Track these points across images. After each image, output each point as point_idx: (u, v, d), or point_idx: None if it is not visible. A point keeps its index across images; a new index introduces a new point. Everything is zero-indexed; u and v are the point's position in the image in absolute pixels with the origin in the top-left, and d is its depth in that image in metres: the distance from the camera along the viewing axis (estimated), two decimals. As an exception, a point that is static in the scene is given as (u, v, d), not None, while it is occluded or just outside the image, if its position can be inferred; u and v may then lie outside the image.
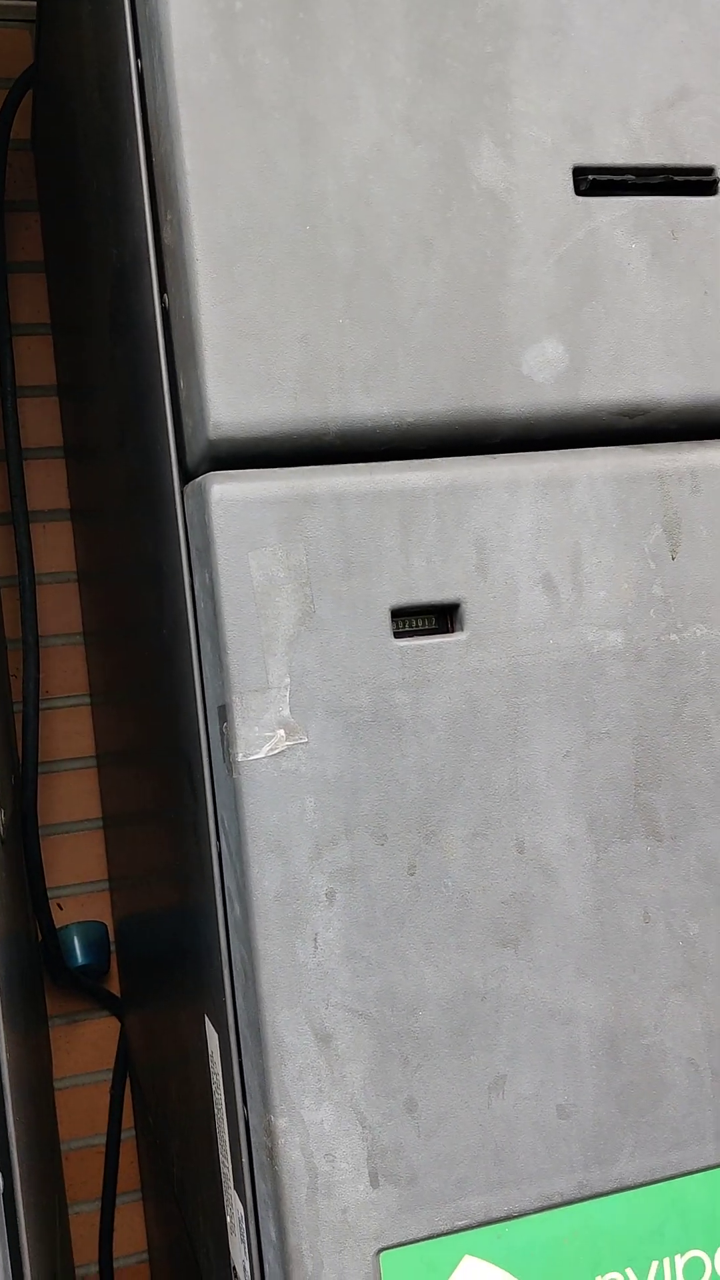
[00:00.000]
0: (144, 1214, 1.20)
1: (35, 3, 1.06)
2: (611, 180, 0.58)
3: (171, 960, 0.79)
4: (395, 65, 0.56)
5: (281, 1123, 0.54)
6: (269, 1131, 0.54)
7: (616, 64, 0.58)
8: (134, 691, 0.87)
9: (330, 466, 0.55)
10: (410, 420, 0.56)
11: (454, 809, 0.56)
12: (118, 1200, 1.19)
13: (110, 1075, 1.18)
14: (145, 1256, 1.21)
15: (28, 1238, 0.58)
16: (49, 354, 1.17)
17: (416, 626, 0.56)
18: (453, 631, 0.56)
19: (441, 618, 0.57)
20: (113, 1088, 1.17)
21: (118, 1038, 1.18)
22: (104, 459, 0.86)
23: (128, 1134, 1.20)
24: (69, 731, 1.18)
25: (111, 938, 1.18)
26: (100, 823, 1.19)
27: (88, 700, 1.19)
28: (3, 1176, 0.50)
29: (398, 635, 0.56)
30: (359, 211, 0.55)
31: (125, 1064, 1.18)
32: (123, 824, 1.05)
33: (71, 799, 1.17)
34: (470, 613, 0.56)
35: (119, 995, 1.19)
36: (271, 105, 0.54)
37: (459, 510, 0.56)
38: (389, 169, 0.55)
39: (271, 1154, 0.54)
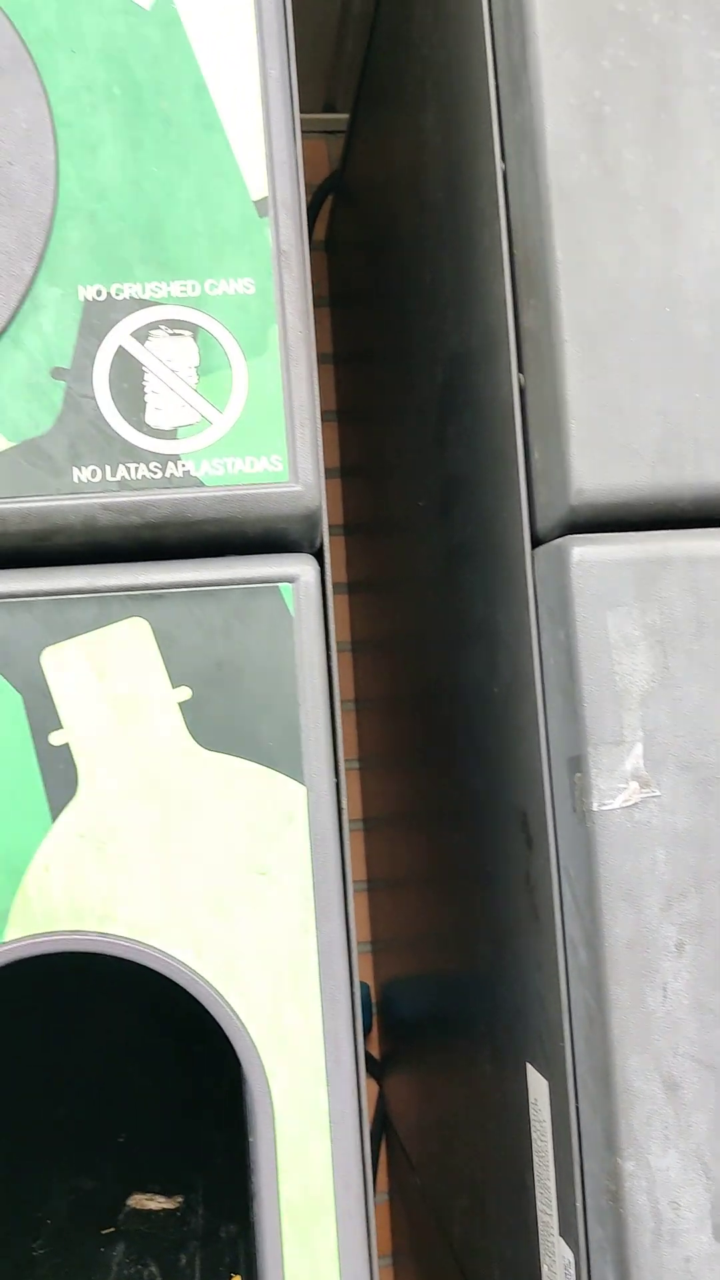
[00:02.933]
0: (393, 1278, 1.21)
1: (347, 115, 1.15)
2: None
3: (470, 1015, 0.81)
4: (751, 159, 0.59)
5: (629, 1166, 0.55)
6: (614, 1175, 0.55)
7: None
8: (429, 753, 0.91)
9: (684, 531, 0.58)
10: (762, 489, 0.58)
11: None
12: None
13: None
14: (395, 1325, 1.21)
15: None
16: (333, 439, 1.24)
17: (762, 688, 0.58)
18: None
19: (787, 680, 0.58)
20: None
21: (376, 1101, 1.21)
22: (410, 531, 0.91)
23: (380, 1198, 1.21)
24: (340, 795, 1.22)
25: (374, 1000, 1.21)
26: (365, 885, 1.22)
27: (356, 765, 1.23)
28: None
29: (744, 695, 0.57)
30: (716, 293, 0.58)
31: (382, 1127, 1.20)
32: (395, 886, 1.08)
33: (340, 860, 1.21)
34: None
35: (377, 1058, 1.21)
36: (635, 199, 0.58)
37: None
38: (744, 254, 0.58)
39: (615, 1198, 0.55)
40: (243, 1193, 0.78)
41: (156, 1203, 0.81)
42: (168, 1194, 0.81)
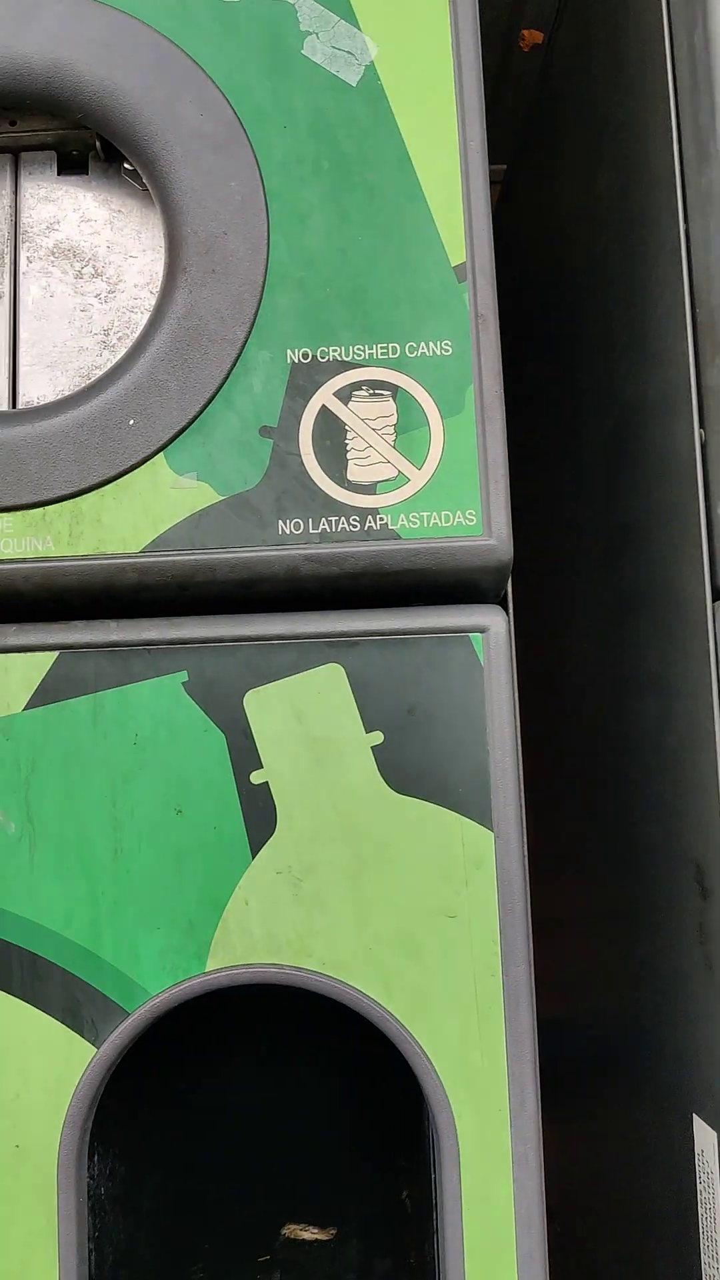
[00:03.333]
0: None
1: (499, 166, 1.18)
2: None
3: (624, 1061, 0.81)
4: None
5: None
6: None
7: None
8: (583, 798, 0.91)
9: None
10: None
11: None
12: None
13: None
14: None
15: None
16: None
17: None
18: None
19: None
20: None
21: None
22: (568, 575, 0.92)
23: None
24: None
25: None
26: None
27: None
28: None
29: None
30: None
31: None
32: (537, 927, 1.09)
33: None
34: None
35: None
36: None
37: None
38: None
39: None
40: (397, 1228, 0.79)
41: (310, 1233, 0.82)
42: (321, 1225, 0.82)
